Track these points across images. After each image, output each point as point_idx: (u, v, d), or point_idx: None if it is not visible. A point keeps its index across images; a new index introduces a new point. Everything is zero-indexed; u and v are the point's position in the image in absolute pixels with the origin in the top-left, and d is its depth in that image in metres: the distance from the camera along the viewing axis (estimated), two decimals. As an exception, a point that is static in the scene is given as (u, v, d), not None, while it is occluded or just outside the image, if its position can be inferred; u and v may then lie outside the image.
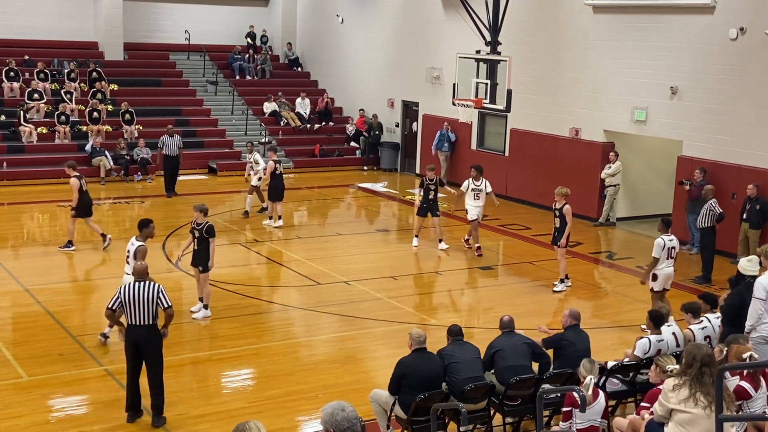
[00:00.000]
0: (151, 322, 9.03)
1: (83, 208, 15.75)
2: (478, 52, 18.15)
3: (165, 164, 21.38)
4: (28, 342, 11.47)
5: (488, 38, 18.28)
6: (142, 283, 9.08)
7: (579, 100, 20.10)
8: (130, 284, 9.10)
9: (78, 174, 15.86)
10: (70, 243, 16.01)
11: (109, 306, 9.12)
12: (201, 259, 12.38)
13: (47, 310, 12.67)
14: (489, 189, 16.41)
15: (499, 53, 18.01)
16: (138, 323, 8.99)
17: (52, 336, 11.67)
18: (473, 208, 16.26)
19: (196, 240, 12.44)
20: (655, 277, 12.37)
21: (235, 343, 11.80)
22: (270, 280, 15.06)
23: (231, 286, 14.15)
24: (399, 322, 12.50)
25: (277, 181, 18.03)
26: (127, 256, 11.50)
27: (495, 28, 18.27)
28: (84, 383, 10.26)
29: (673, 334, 9.46)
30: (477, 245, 16.45)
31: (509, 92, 17.30)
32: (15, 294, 13.47)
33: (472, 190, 16.28)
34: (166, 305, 9.09)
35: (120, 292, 9.06)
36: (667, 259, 12.32)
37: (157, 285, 9.13)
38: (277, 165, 18.13)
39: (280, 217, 18.19)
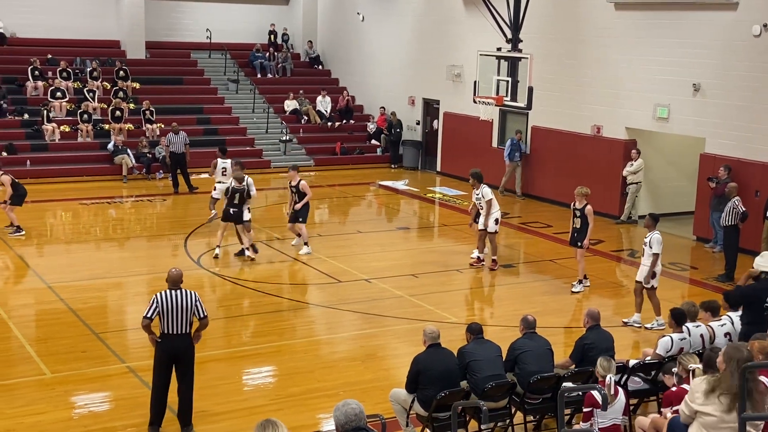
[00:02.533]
0: (187, 331, 8.78)
1: (18, 197, 16.88)
2: (499, 49, 18.09)
3: (171, 161, 21.68)
4: (51, 339, 11.57)
5: (509, 35, 18.22)
6: (177, 291, 8.78)
7: (601, 98, 19.98)
8: (166, 293, 8.75)
9: (4, 170, 17.22)
10: (18, 228, 16.83)
11: (146, 315, 8.65)
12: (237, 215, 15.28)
13: (70, 307, 12.78)
14: (489, 197, 15.14)
15: (520, 50, 17.95)
16: (175, 332, 8.71)
17: (74, 333, 11.77)
18: (481, 217, 15.33)
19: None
20: (654, 274, 12.37)
21: (256, 340, 11.85)
22: (291, 278, 15.09)
23: (252, 284, 14.21)
24: (419, 319, 12.48)
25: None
26: (223, 170, 17.33)
27: (516, 25, 18.20)
28: (106, 380, 10.33)
29: (701, 336, 9.38)
30: (481, 256, 15.55)
31: (530, 89, 17.24)
32: (38, 291, 13.59)
33: (476, 199, 15.41)
34: (202, 314, 8.84)
35: (156, 300, 8.67)
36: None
37: (193, 293, 8.88)
38: None
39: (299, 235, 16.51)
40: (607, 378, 7.88)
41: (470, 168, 16.52)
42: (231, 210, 15.23)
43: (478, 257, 15.71)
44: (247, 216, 15.47)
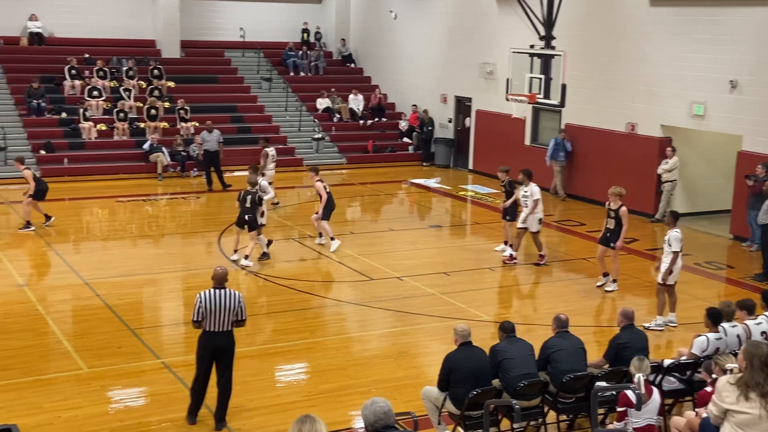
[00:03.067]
0: (229, 329, 8.89)
1: (40, 192, 17.17)
2: (532, 46, 18.03)
3: (205, 159, 21.86)
4: (88, 334, 11.74)
5: (542, 33, 18.16)
6: (222, 290, 8.85)
7: (635, 95, 19.79)
8: (210, 292, 8.81)
9: (27, 166, 17.56)
10: (28, 224, 17.05)
11: (194, 318, 8.80)
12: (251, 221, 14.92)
13: (106, 303, 12.95)
14: (536, 196, 15.20)
15: (553, 48, 17.88)
16: (217, 330, 8.82)
17: (111, 329, 11.92)
18: (522, 214, 15.39)
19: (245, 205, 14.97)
20: (670, 271, 12.21)
21: (288, 337, 11.91)
22: (323, 276, 15.15)
23: (284, 281, 14.29)
24: (451, 318, 12.47)
25: (329, 201, 16.17)
26: (273, 157, 19.21)
27: (549, 22, 18.13)
28: (142, 375, 10.46)
29: (738, 336, 9.26)
30: (510, 253, 15.65)
31: (564, 87, 17.16)
32: (75, 287, 13.78)
33: (522, 197, 15.41)
34: (242, 317, 8.92)
35: (200, 301, 8.74)
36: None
37: (237, 294, 8.93)
38: (325, 185, 16.31)
39: (321, 235, 16.57)
40: (636, 377, 7.81)
41: (502, 165, 16.50)
42: (246, 216, 14.82)
43: (511, 255, 15.65)
44: (261, 220, 15.19)
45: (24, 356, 10.86)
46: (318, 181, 16.15)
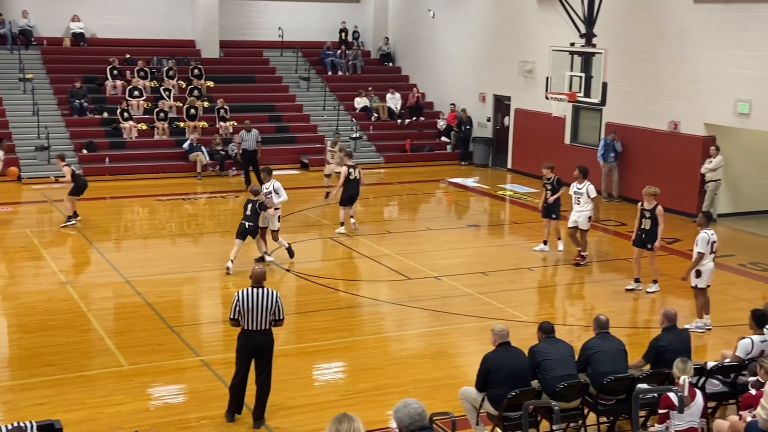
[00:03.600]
0: (268, 327, 8.94)
1: (78, 188, 17.52)
2: (572, 44, 17.86)
3: (243, 158, 21.98)
4: (128, 332, 11.86)
5: (583, 30, 17.98)
6: (260, 289, 8.91)
7: (678, 93, 19.49)
8: (247, 291, 8.88)
9: (67, 162, 17.91)
10: (69, 218, 17.44)
11: (231, 316, 8.90)
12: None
13: (147, 301, 13.08)
14: (593, 194, 15.16)
15: (594, 45, 17.69)
16: (255, 328, 8.88)
17: (151, 326, 12.04)
18: (573, 213, 15.30)
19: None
20: (699, 274, 11.99)
21: (326, 336, 11.92)
22: (361, 275, 15.15)
23: (322, 280, 14.32)
24: (489, 318, 12.39)
25: (348, 187, 16.93)
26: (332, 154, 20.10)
27: (590, 19, 17.95)
28: (181, 373, 10.54)
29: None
30: (579, 250, 15.50)
31: (605, 85, 16.98)
32: (117, 285, 13.95)
33: (574, 193, 15.28)
34: (279, 317, 8.96)
35: (237, 300, 8.82)
36: (710, 253, 11.97)
37: (274, 293, 8.96)
38: (351, 170, 16.93)
39: (342, 224, 17.11)
40: (681, 379, 7.69)
41: (542, 164, 16.33)
42: (247, 224, 14.57)
43: (582, 255, 15.45)
44: (276, 225, 15.13)
45: (67, 353, 11.01)
46: (346, 165, 16.92)
